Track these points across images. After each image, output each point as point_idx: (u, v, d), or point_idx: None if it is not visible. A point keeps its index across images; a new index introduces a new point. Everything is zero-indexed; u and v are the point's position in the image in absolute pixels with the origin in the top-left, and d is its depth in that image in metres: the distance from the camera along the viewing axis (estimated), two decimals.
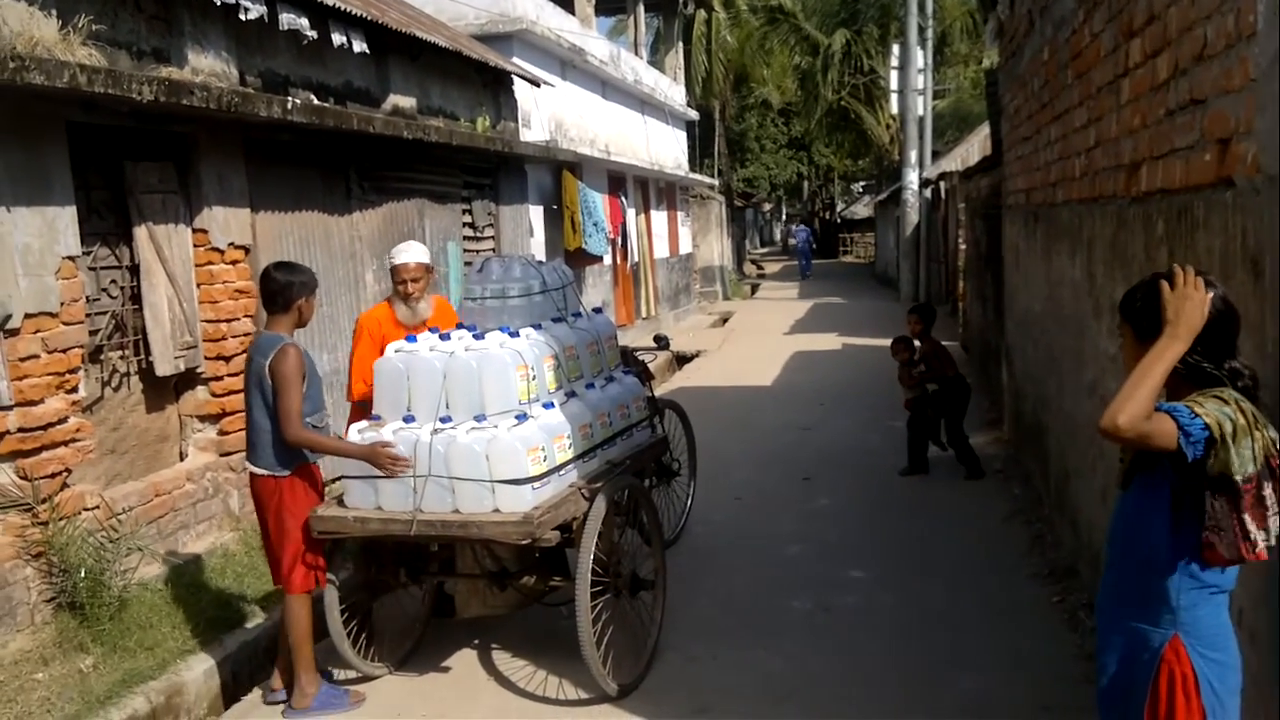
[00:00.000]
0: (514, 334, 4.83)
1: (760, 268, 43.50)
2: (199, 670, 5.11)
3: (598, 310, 5.77)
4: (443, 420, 4.63)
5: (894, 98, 25.34)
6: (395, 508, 4.59)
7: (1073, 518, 5.92)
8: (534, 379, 4.73)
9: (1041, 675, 4.78)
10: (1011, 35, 8.49)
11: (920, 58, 23.95)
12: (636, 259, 18.95)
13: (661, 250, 21.33)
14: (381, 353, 5.10)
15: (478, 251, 11.30)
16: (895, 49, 25.25)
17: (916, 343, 8.52)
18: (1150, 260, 4.00)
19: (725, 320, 22.89)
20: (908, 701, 4.63)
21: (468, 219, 11.08)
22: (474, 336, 4.88)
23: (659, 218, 21.38)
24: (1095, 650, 2.81)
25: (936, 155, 25.32)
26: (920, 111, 24.05)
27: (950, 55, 33.53)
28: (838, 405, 11.80)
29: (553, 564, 5.22)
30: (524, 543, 4.45)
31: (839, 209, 59.01)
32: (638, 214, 19.27)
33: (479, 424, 4.57)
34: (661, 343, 7.03)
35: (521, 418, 4.58)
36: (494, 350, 4.71)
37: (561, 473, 4.69)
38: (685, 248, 24.12)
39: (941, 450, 8.59)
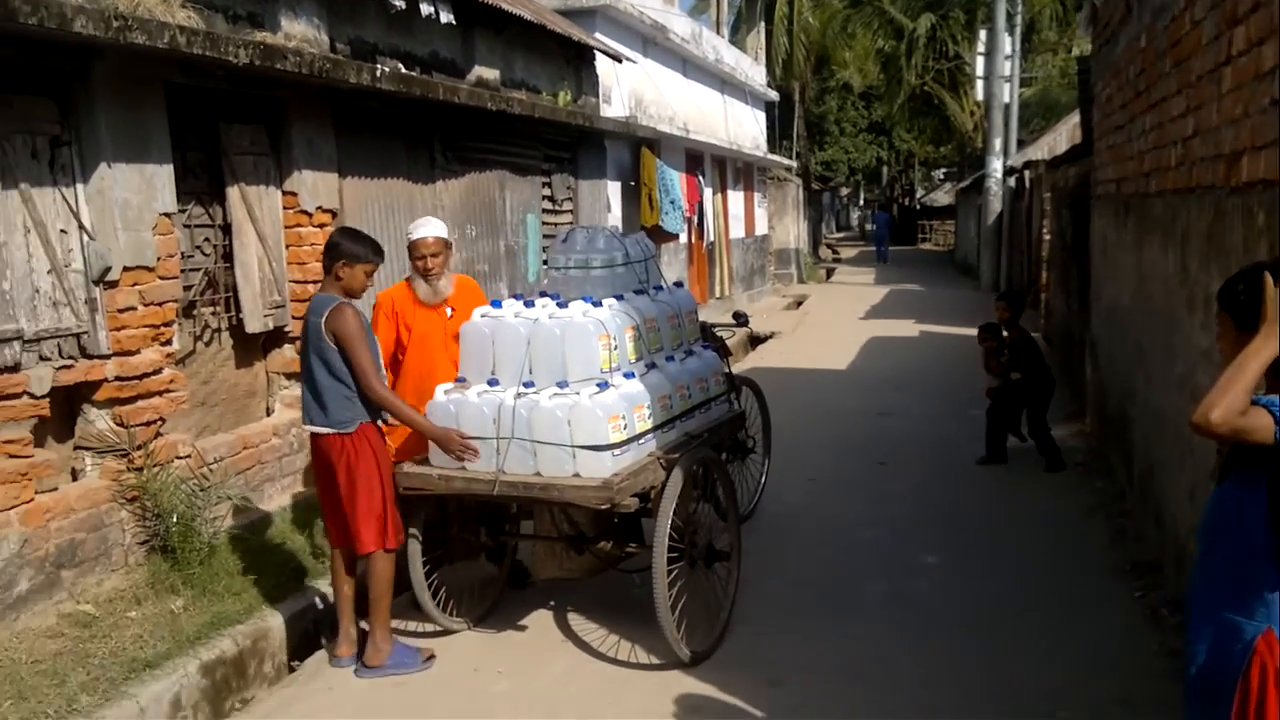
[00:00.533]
0: (597, 304, 4.85)
1: (836, 252, 43.13)
2: (283, 617, 5.25)
3: (678, 284, 5.78)
4: (526, 385, 4.68)
5: (979, 84, 24.85)
6: (478, 468, 4.66)
7: (1157, 513, 5.79)
8: (615, 348, 4.76)
9: (1121, 669, 4.69)
10: (1106, 22, 8.27)
11: (1007, 44, 23.46)
12: (712, 239, 18.90)
13: (737, 231, 21.24)
14: (400, 333, 5.24)
15: (556, 225, 11.36)
16: (982, 34, 24.75)
17: (1004, 332, 8.37)
18: (1249, 253, 3.88)
19: (800, 303, 22.73)
20: (982, 688, 4.58)
21: (547, 192, 11.14)
22: (558, 305, 4.91)
23: (735, 198, 21.28)
24: (1185, 639, 2.76)
25: (1021, 144, 24.78)
26: (1006, 99, 23.58)
27: (1038, 43, 32.79)
28: (915, 392, 11.67)
29: (629, 531, 5.27)
30: (603, 507, 4.49)
31: (919, 195, 58.19)
32: (715, 193, 19.20)
33: (561, 390, 4.61)
34: (741, 320, 7.02)
35: (603, 386, 4.62)
36: (577, 318, 4.75)
37: (641, 441, 4.72)
38: (761, 229, 23.99)
39: (1021, 441, 8.45)
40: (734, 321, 7.04)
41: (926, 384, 12.15)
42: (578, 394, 4.57)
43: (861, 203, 70.19)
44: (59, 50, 5.00)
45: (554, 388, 4.63)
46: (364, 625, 4.99)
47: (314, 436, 4.74)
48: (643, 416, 4.72)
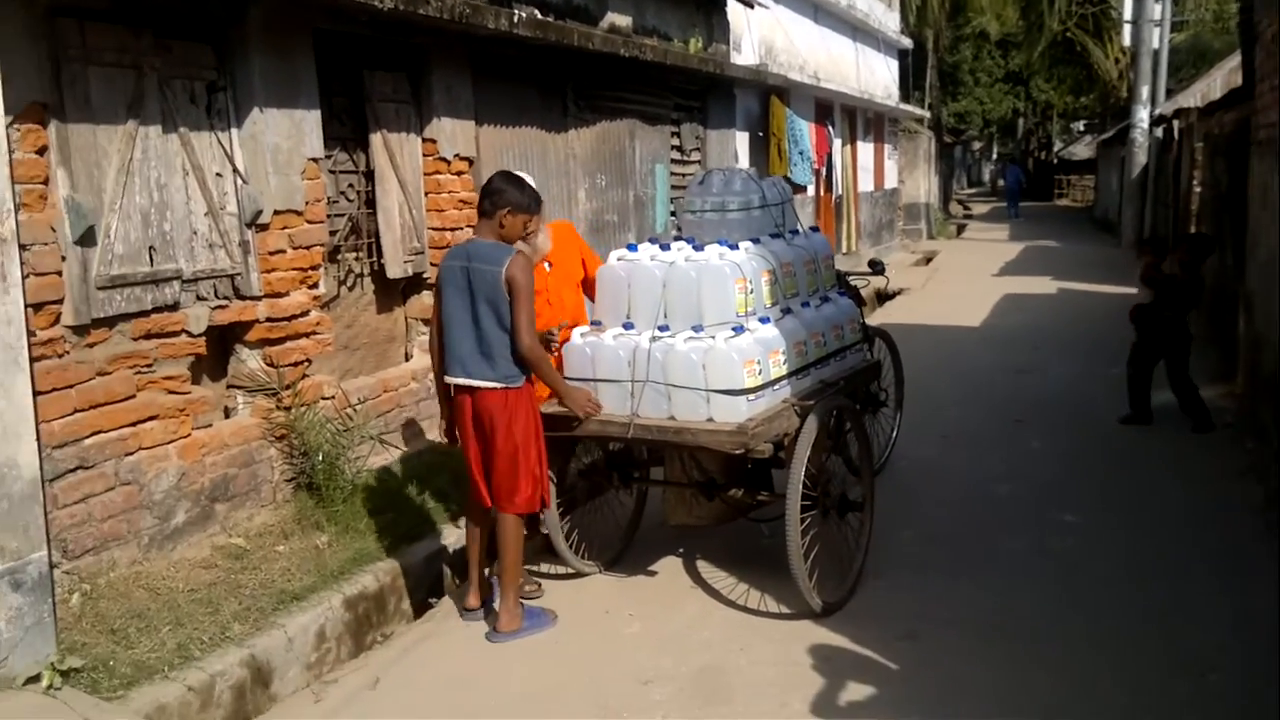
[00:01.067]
0: (733, 247, 4.81)
1: (967, 208, 41.87)
2: (421, 556, 5.40)
3: (814, 229, 5.68)
4: (661, 329, 4.68)
5: (1127, 29, 23.63)
6: (613, 411, 4.69)
7: None
8: (751, 292, 4.72)
9: (1277, 634, 4.48)
10: None
11: None
12: (840, 191, 18.56)
13: (866, 183, 20.80)
14: None
15: (684, 175, 11.29)
16: None
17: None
18: None
19: (929, 259, 22.18)
20: (1127, 648, 4.44)
21: (675, 141, 11.08)
22: (693, 248, 4.88)
23: (865, 150, 20.82)
24: None
25: (1170, 93, 23.55)
26: (1155, 44, 22.40)
27: None
28: (1053, 350, 11.30)
29: (760, 479, 5.24)
30: (737, 452, 4.48)
31: (1056, 149, 55.98)
32: (844, 144, 18.81)
33: (696, 334, 4.60)
34: (877, 268, 6.87)
35: (738, 330, 4.58)
36: (713, 261, 4.71)
37: (775, 387, 4.68)
38: (891, 182, 23.45)
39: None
40: (869, 270, 6.90)
41: (1065, 342, 11.76)
42: (713, 338, 4.55)
43: (994, 157, 67.88)
44: None
45: (689, 331, 4.62)
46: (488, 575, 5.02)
47: (468, 390, 4.52)
48: (778, 362, 4.67)
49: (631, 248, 5.00)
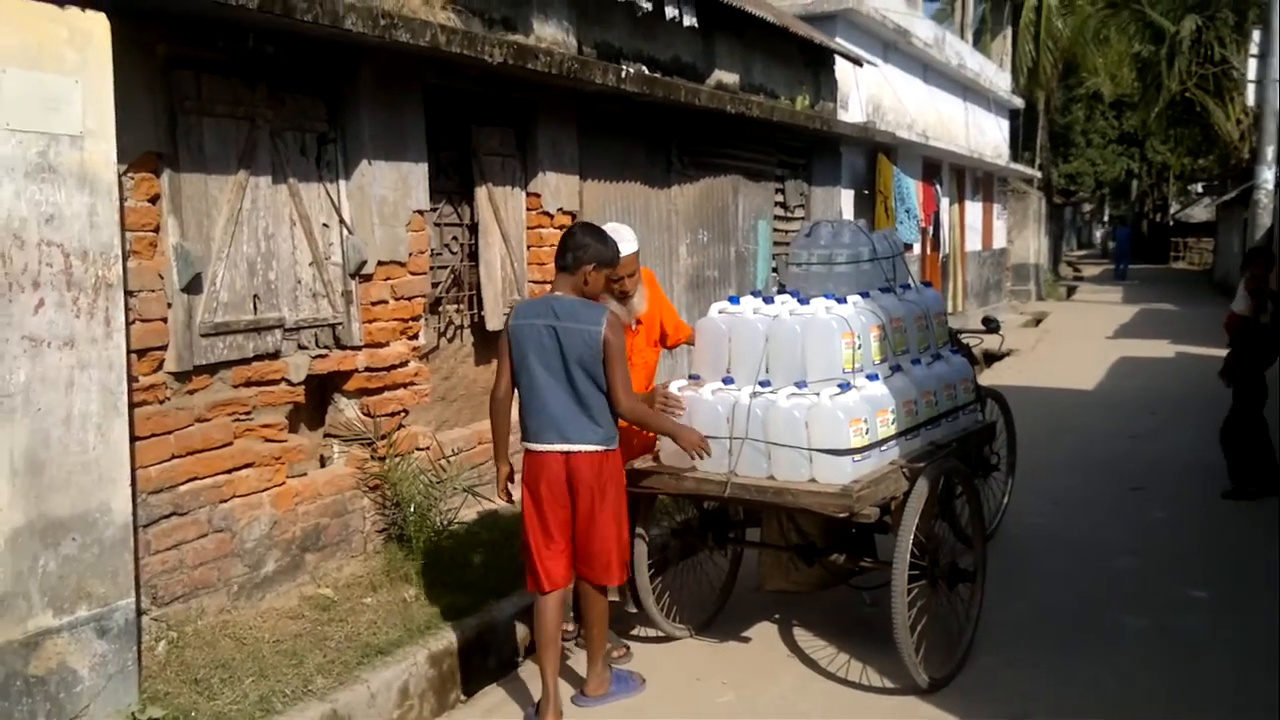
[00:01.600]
0: (841, 300, 4.64)
1: (1077, 270, 40.80)
2: (508, 612, 5.27)
3: (927, 284, 5.48)
4: (762, 384, 4.53)
5: (1250, 89, 22.82)
6: (710, 469, 4.53)
7: None
8: (859, 348, 4.54)
9: None
10: None
11: None
12: (947, 250, 18.19)
13: (974, 243, 20.37)
14: None
15: (788, 232, 11.17)
16: (1255, 35, 22.74)
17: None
18: None
19: (1039, 321, 21.56)
20: None
21: (779, 198, 10.98)
22: (798, 301, 4.73)
23: (973, 209, 20.43)
24: None
25: None
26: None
27: None
28: (1172, 416, 10.78)
29: (862, 544, 5.02)
30: (841, 516, 4.27)
31: (1172, 210, 54.32)
32: (951, 203, 18.49)
33: (799, 390, 4.43)
34: (991, 325, 6.61)
35: (844, 387, 4.40)
36: (820, 315, 4.55)
37: (883, 448, 4.47)
38: (999, 242, 22.95)
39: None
40: (984, 328, 6.64)
41: (1185, 408, 11.21)
42: (817, 394, 4.37)
43: (1106, 219, 66.23)
44: (329, 50, 5.24)
45: (792, 387, 4.45)
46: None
47: (560, 456, 4.17)
48: (886, 421, 4.47)
49: (733, 300, 4.86)
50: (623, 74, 7.02)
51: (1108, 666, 4.76)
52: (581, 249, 4.26)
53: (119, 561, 3.81)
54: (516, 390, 4.29)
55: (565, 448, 4.17)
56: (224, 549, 4.81)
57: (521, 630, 5.30)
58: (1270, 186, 21.55)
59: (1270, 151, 21.62)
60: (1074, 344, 17.04)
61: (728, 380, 4.62)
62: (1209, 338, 16.90)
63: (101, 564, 3.76)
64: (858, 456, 4.31)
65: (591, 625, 4.42)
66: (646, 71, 7.71)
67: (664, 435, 4.52)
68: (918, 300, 5.16)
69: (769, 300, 4.79)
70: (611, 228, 4.58)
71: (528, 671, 4.91)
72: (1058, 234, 37.47)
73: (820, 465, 4.32)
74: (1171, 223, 52.26)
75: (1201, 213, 49.02)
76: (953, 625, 4.79)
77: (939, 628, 4.70)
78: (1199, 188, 53.06)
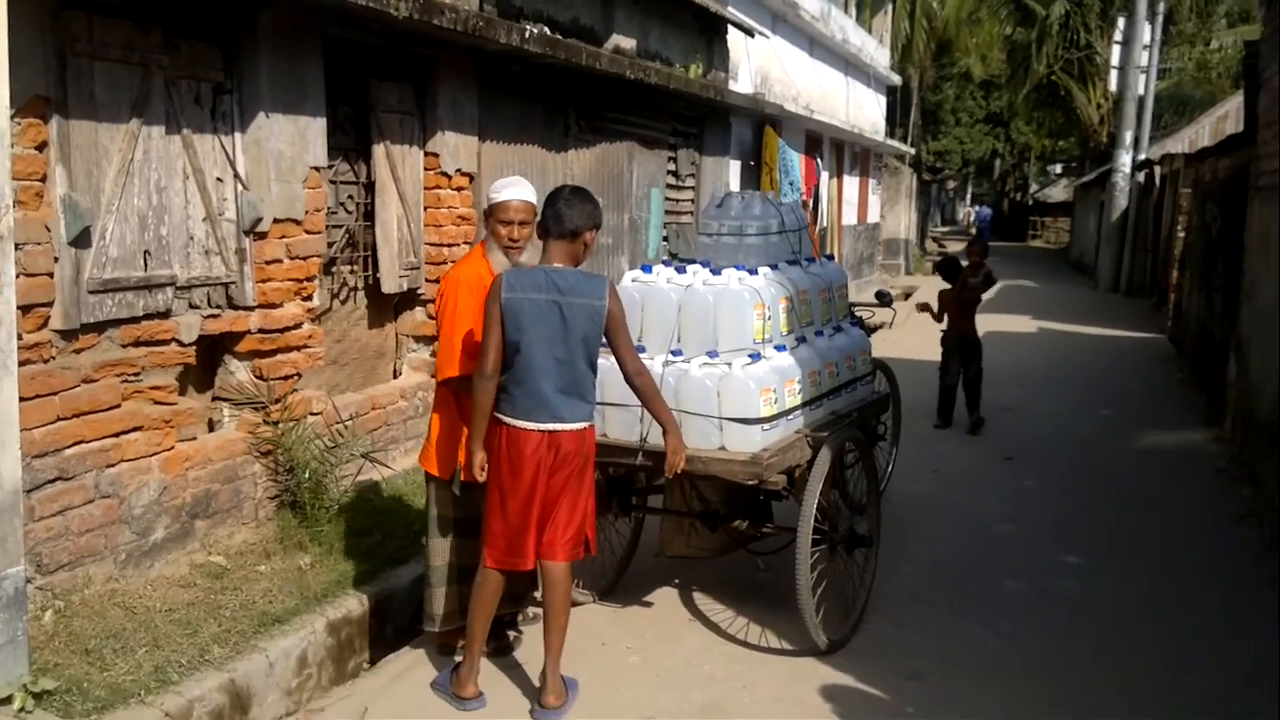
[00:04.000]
0: (752, 272, 4.71)
1: (942, 246, 42.07)
2: (406, 580, 5.21)
3: (829, 257, 5.60)
4: (674, 353, 4.57)
5: (1114, 74, 23.90)
6: (621, 436, 4.56)
7: None
8: (769, 319, 4.62)
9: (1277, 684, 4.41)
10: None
11: (1147, 33, 22.53)
12: (825, 224, 18.54)
13: (850, 217, 20.83)
14: (480, 311, 4.14)
15: (678, 200, 11.23)
16: (1120, 22, 23.79)
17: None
18: None
19: (908, 295, 22.19)
20: (1134, 693, 4.37)
21: (672, 166, 11.01)
22: (710, 272, 4.78)
23: (850, 183, 20.87)
24: None
25: (1151, 139, 23.82)
26: (1140, 91, 22.66)
27: (1175, 35, 31.47)
28: (1038, 388, 11.29)
29: (761, 511, 5.13)
30: (750, 483, 4.36)
31: (1032, 190, 56.55)
32: (830, 177, 18.84)
33: (711, 360, 4.49)
34: (885, 299, 6.79)
35: (755, 357, 4.48)
36: (733, 286, 4.61)
37: (790, 417, 4.57)
38: (873, 217, 23.52)
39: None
40: (876, 301, 6.82)
41: (1049, 381, 11.76)
42: (729, 365, 4.43)
43: (969, 197, 68.55)
44: None
45: (704, 357, 4.51)
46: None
47: (546, 435, 3.96)
48: (793, 391, 4.58)
49: (646, 269, 4.88)
50: (526, 34, 6.92)
51: (992, 628, 5.00)
52: (584, 214, 4.03)
53: (8, 528, 3.62)
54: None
55: (555, 427, 3.96)
56: (111, 515, 4.62)
57: (419, 596, 5.24)
58: (1128, 170, 22.67)
59: (1129, 136, 22.73)
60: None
61: (639, 349, 4.63)
62: (1067, 314, 17.76)
63: None
64: (767, 425, 4.40)
65: (558, 613, 4.10)
66: (549, 32, 7.61)
67: (659, 422, 4.19)
68: (821, 273, 5.27)
69: (682, 270, 4.82)
70: (512, 179, 4.43)
71: (424, 641, 4.84)
72: (925, 210, 38.63)
73: (730, 434, 4.39)
74: (1031, 202, 54.40)
75: (1059, 193, 51.14)
76: (848, 589, 4.95)
77: (835, 592, 4.84)
78: (1058, 169, 55.39)
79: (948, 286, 9.61)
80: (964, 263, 9.69)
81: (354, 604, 4.86)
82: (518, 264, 4.25)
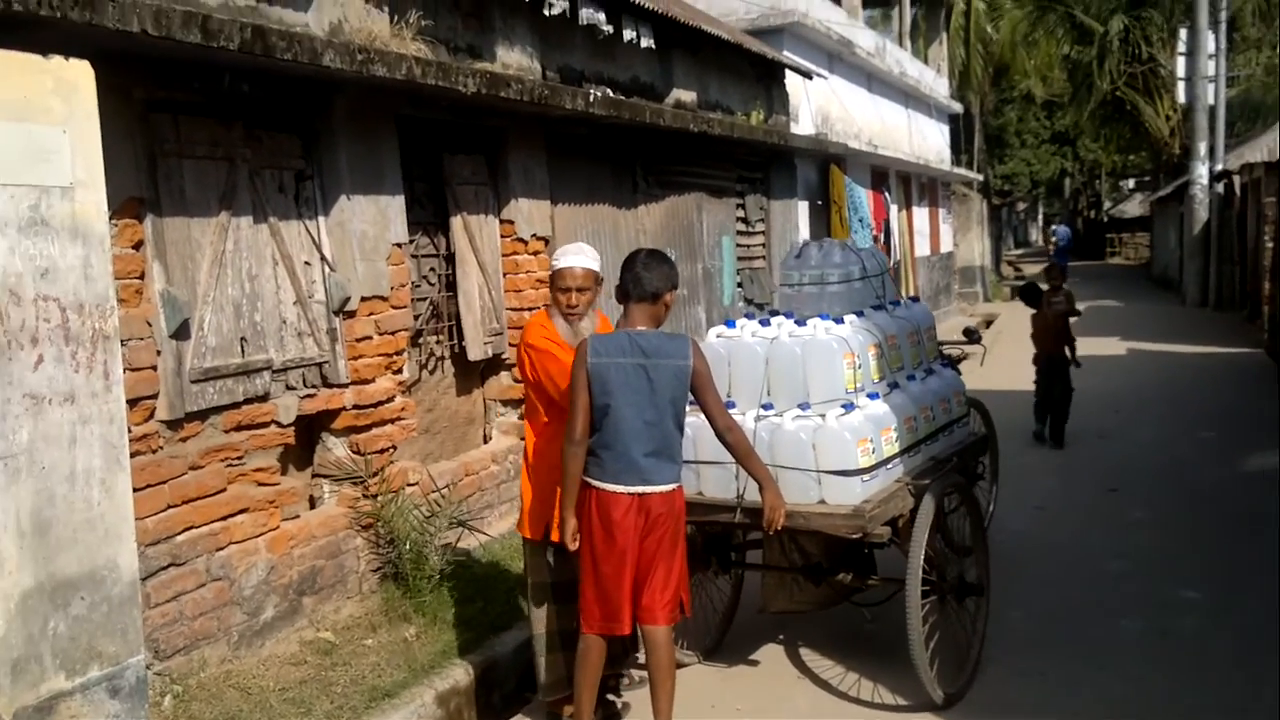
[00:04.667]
0: (838, 320, 4.66)
1: (1018, 269, 41.45)
2: (510, 646, 5.22)
3: (915, 299, 5.52)
4: (765, 407, 4.53)
5: (1180, 86, 23.45)
6: (717, 494, 4.51)
7: None
8: (859, 367, 4.56)
9: None
10: None
11: (1211, 42, 22.09)
12: (898, 256, 18.38)
13: (923, 248, 20.64)
14: (552, 366, 4.23)
15: (749, 246, 11.22)
16: (1182, 33, 23.37)
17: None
18: None
19: (990, 323, 21.84)
20: None
21: (740, 213, 11.04)
22: (794, 323, 4.74)
23: (920, 214, 20.71)
24: None
25: (1226, 148, 23.25)
26: (1210, 100, 22.19)
27: (1239, 41, 30.81)
28: (1135, 413, 10.97)
29: (862, 563, 5.02)
30: (853, 537, 4.28)
31: (1105, 207, 55.50)
32: (899, 210, 18.71)
33: (803, 412, 4.44)
34: (973, 336, 6.67)
35: (848, 407, 4.41)
36: (820, 336, 4.57)
37: (889, 466, 4.50)
38: (946, 246, 23.28)
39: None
40: (965, 339, 6.70)
41: (1145, 404, 11.43)
42: (822, 416, 4.38)
43: (1040, 218, 67.50)
44: (303, 86, 5.16)
45: (795, 409, 4.46)
46: None
47: (637, 499, 3.93)
48: (889, 439, 4.50)
49: (729, 324, 4.86)
50: (590, 98, 7.01)
51: (1113, 671, 4.81)
52: (663, 276, 4.05)
53: (128, 618, 3.71)
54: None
55: (644, 490, 3.93)
56: (223, 597, 4.70)
57: (524, 661, 5.22)
58: (1205, 181, 22.14)
59: (1203, 147, 22.23)
60: (1027, 345, 17.25)
61: (730, 405, 4.60)
62: (1156, 333, 17.29)
63: (111, 622, 3.65)
64: (866, 476, 4.33)
65: (664, 677, 4.01)
66: (611, 94, 7.70)
67: (754, 478, 4.16)
68: (908, 316, 5.20)
69: (765, 323, 4.79)
70: (574, 247, 4.44)
71: (534, 709, 4.78)
72: (997, 235, 38.14)
73: (829, 486, 4.32)
74: (1106, 219, 53.38)
75: (1135, 208, 50.09)
76: (960, 639, 4.81)
77: (948, 642, 4.71)
78: (1131, 184, 54.33)
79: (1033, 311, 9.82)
80: (1044, 287, 9.88)
81: (460, 674, 4.87)
82: (578, 330, 4.27)
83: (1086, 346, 16.17)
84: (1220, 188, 21.70)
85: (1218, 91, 22.28)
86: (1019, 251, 58.80)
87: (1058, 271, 10.14)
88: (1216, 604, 5.59)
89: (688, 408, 4.29)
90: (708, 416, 4.06)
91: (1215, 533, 6.83)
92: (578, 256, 4.32)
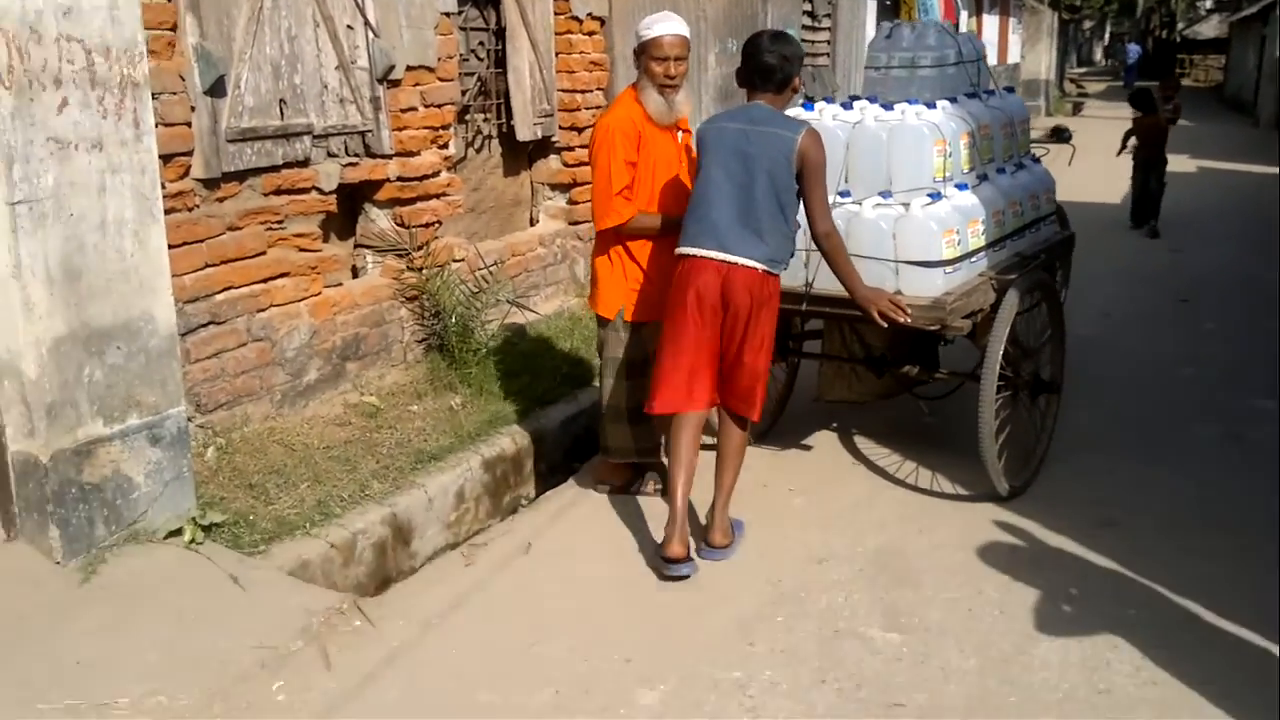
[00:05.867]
0: (930, 105, 4.28)
1: (1081, 87, 39.72)
2: (557, 420, 5.16)
3: (1010, 89, 5.10)
4: (841, 194, 4.22)
5: None
6: (786, 280, 4.23)
7: None
8: (950, 156, 4.23)
9: None
10: None
11: None
12: None
13: (990, 57, 19.61)
14: (639, 159, 4.00)
15: (814, 42, 10.63)
16: None
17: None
18: None
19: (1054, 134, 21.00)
20: None
21: (807, 6, 10.42)
22: (880, 107, 4.37)
23: (990, 22, 19.64)
24: None
25: None
26: None
27: None
28: (1206, 228, 10.58)
29: (928, 356, 4.80)
30: (932, 329, 4.04)
31: (1179, 28, 52.66)
32: (970, 16, 17.70)
33: (885, 200, 4.14)
34: (1063, 134, 6.23)
35: (935, 196, 4.11)
36: (909, 121, 4.21)
37: (973, 260, 4.23)
38: (1013, 57, 22.21)
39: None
40: (1053, 137, 6.26)
41: (1217, 220, 11.05)
42: (905, 205, 4.08)
43: (1106, 37, 64.27)
44: None
45: (876, 198, 4.15)
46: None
47: (714, 264, 3.68)
48: (976, 232, 4.21)
49: (807, 106, 4.48)
50: None
51: (1182, 473, 4.64)
52: (792, 61, 3.75)
53: (166, 370, 3.61)
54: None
55: (722, 257, 3.66)
56: (265, 358, 4.60)
57: (570, 434, 5.17)
58: None
59: None
60: (1092, 158, 16.56)
61: None
62: (1227, 152, 16.55)
63: (149, 372, 3.55)
64: (950, 268, 4.07)
65: (728, 462, 3.91)
66: None
67: (846, 288, 3.91)
68: (1003, 106, 4.84)
69: (848, 106, 4.41)
70: (661, 15, 4.11)
71: (581, 476, 4.71)
72: (1063, 50, 36.32)
73: (909, 278, 4.06)
74: (1178, 39, 50.73)
75: (1210, 29, 47.59)
76: (1026, 435, 4.63)
77: (1014, 438, 4.53)
78: (1208, 3, 51.36)
79: (1136, 115, 10.71)
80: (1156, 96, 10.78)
81: (507, 442, 4.82)
82: (673, 104, 4.02)
83: None
84: None
85: None
86: (1082, 69, 56.29)
87: (1174, 81, 11.41)
88: None
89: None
90: (808, 213, 3.75)
91: None
92: (672, 23, 4.02)
